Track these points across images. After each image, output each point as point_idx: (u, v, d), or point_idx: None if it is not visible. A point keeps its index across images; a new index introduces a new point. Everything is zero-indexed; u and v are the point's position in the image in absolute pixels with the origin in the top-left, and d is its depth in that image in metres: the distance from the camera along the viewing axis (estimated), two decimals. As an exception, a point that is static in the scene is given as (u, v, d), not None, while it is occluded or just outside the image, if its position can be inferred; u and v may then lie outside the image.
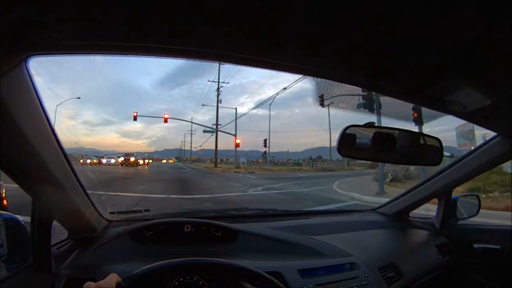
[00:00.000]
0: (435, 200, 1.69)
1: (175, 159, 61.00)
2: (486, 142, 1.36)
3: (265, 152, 26.34)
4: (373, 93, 5.77)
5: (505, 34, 0.53)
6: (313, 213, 2.22)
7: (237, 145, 25.11)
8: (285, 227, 1.46)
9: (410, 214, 1.82)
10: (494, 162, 1.40)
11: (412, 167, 11.68)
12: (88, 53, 0.61)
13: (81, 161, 22.08)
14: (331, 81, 0.77)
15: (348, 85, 0.80)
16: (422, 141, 1.05)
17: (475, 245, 1.53)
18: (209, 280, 0.95)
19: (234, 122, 25.98)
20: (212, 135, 28.08)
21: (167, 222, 1.27)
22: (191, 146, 51.21)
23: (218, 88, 27.87)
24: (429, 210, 1.90)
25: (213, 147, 28.20)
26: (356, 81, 0.78)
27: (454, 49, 0.57)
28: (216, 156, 28.66)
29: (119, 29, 0.51)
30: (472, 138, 9.90)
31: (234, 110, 26.99)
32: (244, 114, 52.16)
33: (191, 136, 48.77)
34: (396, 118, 1.03)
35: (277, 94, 24.86)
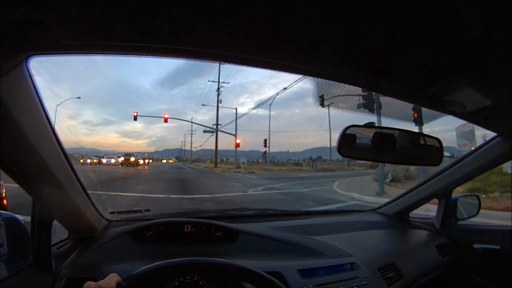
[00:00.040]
0: (435, 200, 1.69)
1: (175, 159, 61.01)
2: (486, 143, 1.35)
3: (265, 152, 26.37)
4: (373, 93, 5.77)
5: (505, 34, 0.53)
6: (313, 213, 2.22)
7: (237, 145, 25.15)
8: (285, 227, 1.46)
9: (410, 215, 1.82)
10: (494, 163, 1.40)
11: (412, 168, 11.67)
12: (88, 53, 0.61)
13: (81, 161, 22.07)
14: (331, 81, 0.77)
15: (348, 85, 0.80)
16: (422, 142, 1.05)
17: (475, 246, 1.53)
18: (209, 280, 0.95)
19: (234, 122, 26.03)
20: (212, 135, 28.15)
21: (167, 222, 1.27)
22: (191, 146, 51.33)
23: (218, 88, 27.93)
24: (429, 210, 1.90)
25: (213, 147, 28.27)
26: (356, 81, 0.78)
27: (454, 49, 0.57)
28: (216, 156, 28.68)
29: (119, 29, 0.51)
30: (472, 139, 9.88)
31: (234, 110, 27.07)
32: (244, 114, 52.33)
33: (191, 136, 48.89)
34: (396, 118, 1.04)
35: (277, 94, 24.92)
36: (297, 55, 0.61)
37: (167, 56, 0.60)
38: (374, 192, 9.28)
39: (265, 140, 25.21)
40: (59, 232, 1.07)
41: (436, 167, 1.30)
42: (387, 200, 1.98)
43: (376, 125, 1.02)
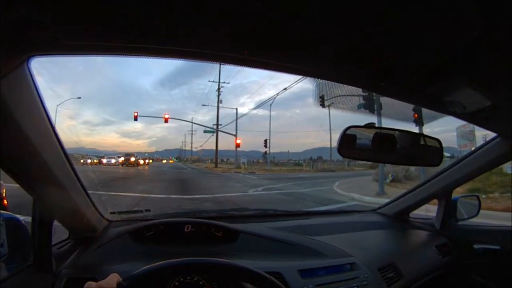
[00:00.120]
0: (435, 200, 1.69)
1: (175, 159, 60.99)
2: (486, 143, 1.35)
3: (266, 152, 26.34)
4: (374, 93, 5.77)
5: (505, 34, 0.53)
6: (314, 214, 2.22)
7: (237, 145, 25.13)
8: (286, 228, 1.46)
9: (410, 215, 1.82)
10: (494, 163, 1.40)
11: (412, 168, 11.66)
12: (89, 54, 0.61)
13: (82, 161, 22.08)
14: (332, 82, 0.77)
15: (349, 86, 0.80)
16: (422, 142, 1.05)
17: (475, 246, 1.53)
18: (209, 280, 0.95)
19: (235, 122, 26.03)
20: (213, 135, 28.12)
21: (167, 222, 1.27)
22: (191, 146, 51.25)
23: (218, 88, 27.92)
24: (429, 210, 1.90)
25: (214, 147, 28.26)
26: (356, 82, 0.79)
27: (454, 49, 0.57)
28: (216, 156, 28.67)
29: (119, 29, 0.51)
30: (473, 139, 9.88)
31: (235, 110, 27.12)
32: (245, 114, 52.08)
33: (192, 136, 48.84)
34: (396, 118, 1.04)
35: (277, 94, 24.97)
36: (297, 55, 0.62)
37: (167, 57, 0.60)
38: (374, 193, 9.27)
39: (266, 141, 25.22)
40: (59, 232, 1.07)
41: (436, 168, 1.30)
42: (387, 200, 1.98)
43: (376, 125, 1.02)
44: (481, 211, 1.66)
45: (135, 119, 21.96)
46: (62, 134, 0.82)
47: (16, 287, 0.83)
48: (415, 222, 1.78)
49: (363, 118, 1.04)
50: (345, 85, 0.78)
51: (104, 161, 27.79)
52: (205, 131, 29.10)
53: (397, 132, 1.00)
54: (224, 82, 30.65)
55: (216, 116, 27.63)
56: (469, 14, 0.47)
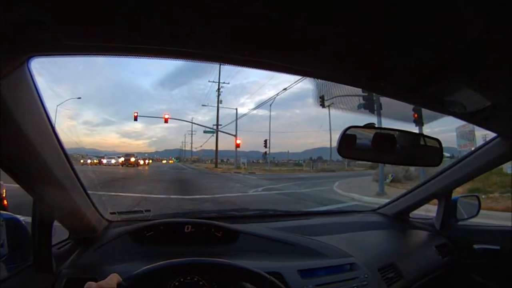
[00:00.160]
0: (435, 201, 1.69)
1: (175, 160, 60.93)
2: (486, 143, 1.36)
3: (266, 152, 26.31)
4: (373, 94, 5.77)
5: (505, 34, 0.53)
6: (314, 214, 2.22)
7: (237, 146, 25.12)
8: (286, 228, 1.46)
9: (410, 215, 1.82)
10: (494, 163, 1.40)
11: (412, 168, 11.65)
12: (89, 54, 0.61)
13: (82, 161, 22.08)
14: (332, 82, 0.77)
15: (349, 86, 0.80)
16: (422, 142, 1.05)
17: (475, 246, 1.53)
18: (209, 280, 0.95)
19: (235, 122, 26.03)
20: (213, 135, 28.11)
21: (167, 223, 1.27)
22: (191, 147, 51.18)
23: (218, 89, 27.90)
24: (429, 211, 1.90)
25: (214, 148, 28.24)
26: (356, 82, 0.79)
27: (454, 49, 0.57)
28: (216, 156, 28.66)
29: (119, 30, 0.51)
30: (472, 139, 9.88)
31: (235, 111, 27.05)
32: (245, 114, 51.90)
33: (192, 136, 48.82)
34: (396, 119, 1.04)
35: (277, 94, 25.02)
36: (297, 55, 0.61)
37: (167, 57, 0.60)
38: (374, 193, 9.27)
39: (265, 141, 25.19)
40: (59, 233, 1.07)
41: (436, 168, 1.30)
42: (387, 200, 1.98)
43: (376, 125, 1.02)
44: (481, 211, 1.67)
45: (135, 119, 22.02)
46: (62, 134, 0.82)
47: (16, 287, 0.83)
48: (415, 222, 1.78)
49: (363, 118, 1.04)
50: (345, 85, 0.78)
51: (104, 161, 27.77)
52: (205, 132, 29.11)
53: (397, 132, 1.00)
54: (224, 82, 30.65)
55: (216, 116, 27.69)
56: (469, 14, 0.47)
